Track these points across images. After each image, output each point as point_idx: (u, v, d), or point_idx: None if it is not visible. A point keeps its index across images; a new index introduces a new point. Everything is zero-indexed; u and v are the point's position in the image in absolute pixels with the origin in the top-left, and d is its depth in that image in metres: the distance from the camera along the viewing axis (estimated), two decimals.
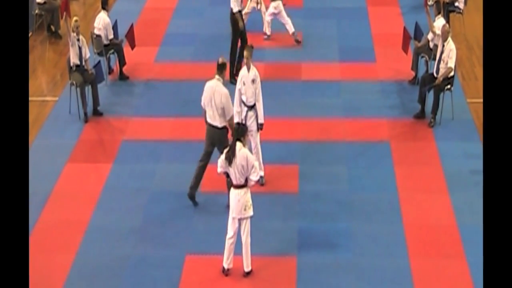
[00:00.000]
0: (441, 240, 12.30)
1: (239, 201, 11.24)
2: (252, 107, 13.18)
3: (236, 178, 11.25)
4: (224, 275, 11.55)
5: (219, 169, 11.40)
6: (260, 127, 13.28)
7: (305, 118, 15.66)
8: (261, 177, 13.51)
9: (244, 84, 13.11)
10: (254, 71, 13.11)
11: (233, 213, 11.35)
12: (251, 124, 13.20)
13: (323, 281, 11.49)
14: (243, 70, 13.16)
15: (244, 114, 13.18)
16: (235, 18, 16.64)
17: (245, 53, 13.04)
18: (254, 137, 13.32)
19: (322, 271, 11.68)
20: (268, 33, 18.80)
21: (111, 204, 13.22)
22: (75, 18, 15.74)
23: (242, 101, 13.20)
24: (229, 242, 11.44)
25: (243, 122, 13.10)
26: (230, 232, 11.41)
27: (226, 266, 11.56)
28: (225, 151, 11.34)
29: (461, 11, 18.96)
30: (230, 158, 11.18)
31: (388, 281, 11.46)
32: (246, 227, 11.33)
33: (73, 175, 14.01)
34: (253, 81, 13.08)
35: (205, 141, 12.94)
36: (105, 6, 16.93)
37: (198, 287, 11.43)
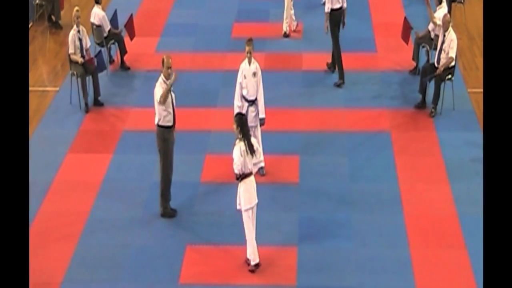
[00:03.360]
0: (442, 230, 12.31)
1: (254, 188, 11.23)
2: (253, 103, 13.14)
3: (250, 164, 11.20)
4: (255, 268, 11.49)
5: (238, 170, 11.15)
6: (261, 122, 13.23)
7: (306, 108, 15.65)
8: (261, 168, 13.50)
9: (245, 77, 13.06)
10: (255, 65, 13.06)
11: (248, 204, 11.20)
12: (253, 120, 13.17)
13: (323, 271, 11.50)
14: (244, 63, 13.10)
15: (245, 109, 13.13)
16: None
17: (246, 48, 12.92)
18: (255, 132, 13.29)
19: (322, 261, 11.70)
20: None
21: (111, 194, 13.23)
22: (76, 8, 15.73)
23: (243, 96, 13.15)
24: (253, 236, 11.34)
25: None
26: (253, 226, 11.32)
27: (258, 260, 11.50)
28: (239, 149, 11.12)
29: (462, 1, 18.91)
30: (252, 151, 11.14)
31: (389, 271, 11.48)
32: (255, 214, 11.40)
33: (74, 166, 14.02)
34: (254, 74, 13.03)
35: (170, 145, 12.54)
36: (98, 0, 16.83)
37: (198, 277, 11.44)
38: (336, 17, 16.36)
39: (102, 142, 14.71)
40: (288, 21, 18.53)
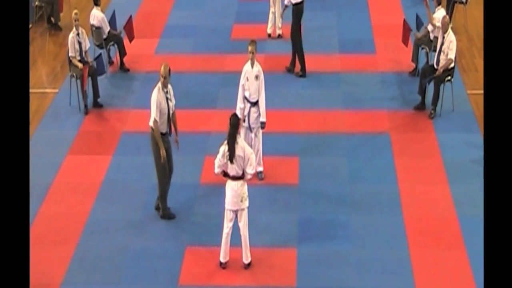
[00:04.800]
0: (441, 231, 12.32)
1: (236, 192, 11.22)
2: (255, 104, 13.12)
3: (234, 170, 11.23)
4: (221, 268, 11.55)
5: (217, 170, 11.30)
6: (262, 125, 13.19)
7: (305, 109, 15.65)
8: (260, 172, 13.50)
9: (247, 80, 13.05)
10: (258, 67, 13.04)
11: (229, 205, 11.33)
12: (255, 121, 13.16)
13: (323, 273, 11.50)
14: (247, 65, 13.08)
15: (247, 110, 13.13)
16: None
17: (249, 48, 12.88)
18: (257, 134, 13.28)
19: (322, 262, 11.70)
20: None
21: (111, 196, 13.23)
22: (75, 11, 15.70)
23: (245, 97, 13.15)
24: (225, 235, 11.44)
25: (246, 118, 13.07)
26: (227, 225, 11.41)
27: (223, 260, 11.55)
28: (223, 149, 11.20)
29: (464, 1, 18.81)
30: (231, 156, 11.14)
31: (388, 273, 11.48)
32: (244, 218, 11.33)
33: (73, 167, 14.02)
34: (257, 77, 13.01)
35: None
36: (97, 2, 16.83)
37: (198, 279, 11.44)
38: (299, 11, 16.34)
39: (101, 144, 14.71)
40: (273, 24, 18.45)
